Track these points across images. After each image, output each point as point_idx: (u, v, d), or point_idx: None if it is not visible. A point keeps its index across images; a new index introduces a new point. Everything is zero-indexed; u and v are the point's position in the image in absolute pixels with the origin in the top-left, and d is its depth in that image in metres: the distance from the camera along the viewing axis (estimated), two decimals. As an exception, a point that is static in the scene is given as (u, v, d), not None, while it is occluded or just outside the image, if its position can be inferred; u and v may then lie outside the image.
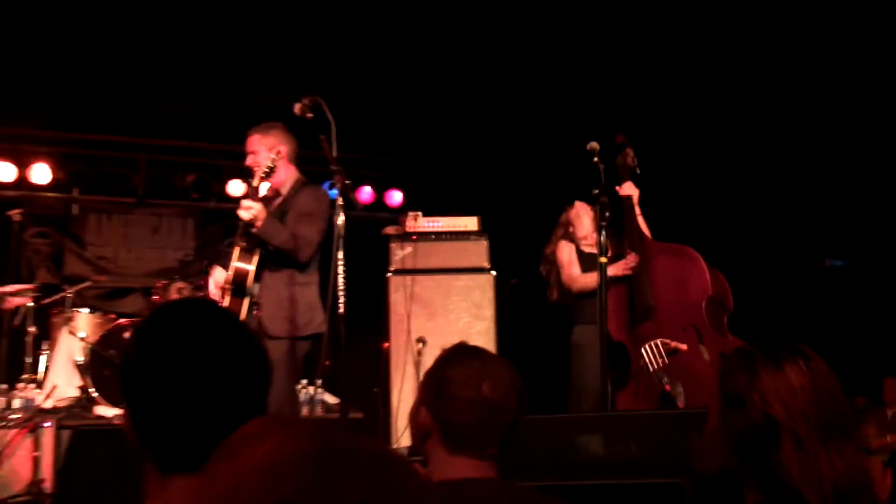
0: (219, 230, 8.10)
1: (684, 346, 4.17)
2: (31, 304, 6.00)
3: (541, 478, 2.95)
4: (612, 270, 4.35)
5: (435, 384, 1.98)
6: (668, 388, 4.02)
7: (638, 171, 4.57)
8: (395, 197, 8.40)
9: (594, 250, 4.51)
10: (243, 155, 7.34)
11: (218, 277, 4.34)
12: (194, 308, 1.44)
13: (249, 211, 4.04)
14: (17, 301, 4.18)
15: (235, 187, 7.83)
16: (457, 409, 1.91)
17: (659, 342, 4.23)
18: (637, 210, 4.59)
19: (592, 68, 6.56)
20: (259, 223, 4.05)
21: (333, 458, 0.73)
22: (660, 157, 5.24)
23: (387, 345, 5.80)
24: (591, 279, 4.61)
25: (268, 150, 4.24)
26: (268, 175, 4.21)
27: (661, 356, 4.20)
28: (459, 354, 2.02)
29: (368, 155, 7.92)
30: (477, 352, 2.04)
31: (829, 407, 1.69)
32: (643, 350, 4.25)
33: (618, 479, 3.09)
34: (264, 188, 4.27)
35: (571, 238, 5.12)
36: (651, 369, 4.20)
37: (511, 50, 6.59)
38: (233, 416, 1.26)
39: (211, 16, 6.20)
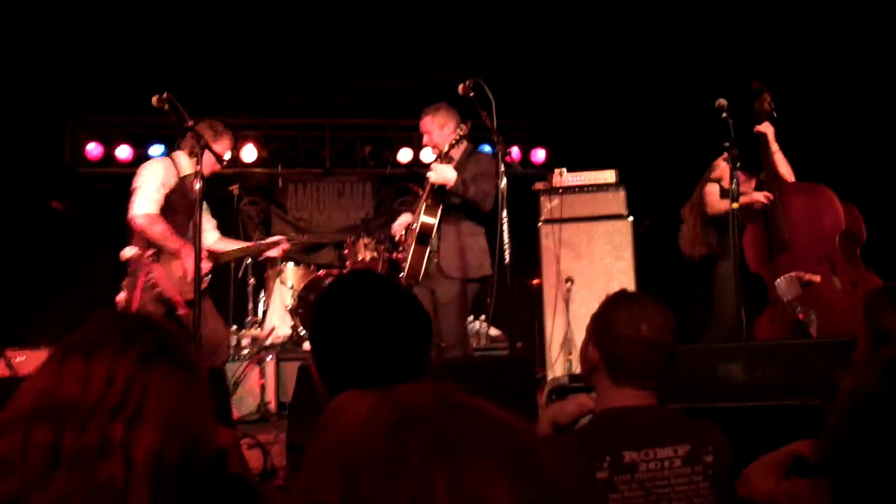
0: (391, 192, 8.28)
1: (817, 278, 3.95)
2: (250, 259, 6.37)
3: (688, 401, 2.88)
4: (743, 199, 4.19)
5: (601, 324, 1.94)
6: (801, 316, 3.81)
7: (775, 115, 4.29)
8: (539, 154, 8.30)
9: None
10: (411, 128, 7.43)
11: (402, 220, 4.52)
12: (366, 280, 1.48)
13: (437, 173, 4.13)
14: (274, 252, 4.76)
15: (404, 155, 7.99)
16: (620, 345, 1.88)
17: (793, 274, 4.01)
18: (774, 147, 4.32)
19: (723, 18, 6.17)
20: (451, 183, 4.12)
21: (402, 429, 0.69)
22: (796, 99, 4.88)
23: (537, 281, 5.76)
24: (724, 204, 4.46)
25: (440, 129, 4.31)
26: (456, 144, 4.29)
27: (795, 287, 3.99)
28: (622, 299, 1.98)
29: (516, 120, 7.83)
30: (636, 297, 2.00)
31: None
32: (777, 283, 4.04)
33: (758, 402, 2.97)
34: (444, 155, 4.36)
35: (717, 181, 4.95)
36: (786, 300, 3.99)
37: (641, 11, 6.30)
38: (398, 366, 1.34)
39: (371, 15, 6.30)
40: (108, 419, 1.00)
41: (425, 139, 4.43)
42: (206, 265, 4.20)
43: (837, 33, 5.91)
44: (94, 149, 7.23)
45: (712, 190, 4.86)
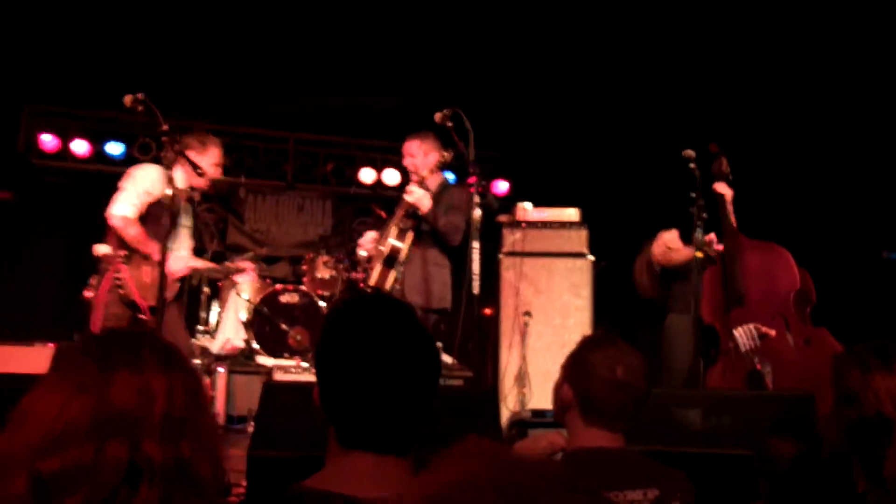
0: (351, 211, 8.26)
1: (773, 332, 4.06)
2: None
3: (643, 443, 2.92)
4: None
5: (577, 365, 1.97)
6: (758, 366, 3.92)
7: (731, 178, 4.41)
8: (502, 186, 8.37)
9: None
10: (374, 148, 7.45)
11: (370, 236, 4.50)
12: (381, 304, 1.40)
13: (414, 196, 4.14)
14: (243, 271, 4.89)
15: (367, 175, 7.98)
16: (595, 386, 1.91)
17: (752, 326, 4.13)
18: (730, 208, 4.46)
19: (692, 76, 6.37)
20: (425, 208, 4.13)
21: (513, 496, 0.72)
22: (750, 161, 5.04)
23: (489, 311, 5.77)
24: (682, 254, 4.52)
25: (424, 155, 4.35)
26: (434, 172, 4.34)
27: (753, 338, 4.10)
28: (600, 340, 2.02)
29: (479, 150, 7.89)
30: (613, 339, 2.03)
31: None
32: (736, 332, 4.15)
33: (713, 449, 3.03)
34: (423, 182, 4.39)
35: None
36: (743, 349, 4.10)
37: (613, 57, 6.46)
38: (407, 405, 1.28)
39: (342, 34, 6.34)
40: (178, 435, 0.98)
41: (407, 161, 4.45)
42: (179, 273, 4.22)
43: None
44: (49, 141, 7.04)
45: (660, 245, 4.92)
